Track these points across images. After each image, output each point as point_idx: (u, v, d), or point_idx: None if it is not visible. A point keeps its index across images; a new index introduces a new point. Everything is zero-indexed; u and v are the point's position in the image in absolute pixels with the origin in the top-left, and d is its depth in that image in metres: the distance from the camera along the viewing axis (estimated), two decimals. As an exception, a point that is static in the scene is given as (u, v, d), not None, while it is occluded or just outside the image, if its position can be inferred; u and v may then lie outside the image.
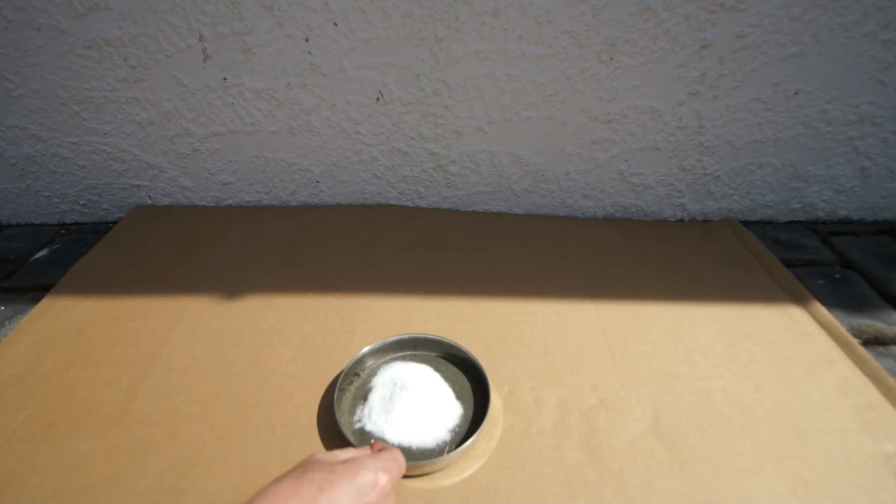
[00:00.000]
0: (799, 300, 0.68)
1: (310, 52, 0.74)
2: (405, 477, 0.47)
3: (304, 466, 0.32)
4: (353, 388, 0.56)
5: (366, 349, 0.57)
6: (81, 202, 0.90)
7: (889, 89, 0.74)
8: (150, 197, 0.91)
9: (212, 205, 0.92)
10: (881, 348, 0.62)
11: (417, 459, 0.48)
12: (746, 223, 0.87)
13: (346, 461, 0.33)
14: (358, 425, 0.51)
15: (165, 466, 0.48)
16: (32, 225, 0.92)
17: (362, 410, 0.52)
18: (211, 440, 0.51)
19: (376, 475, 0.32)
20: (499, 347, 0.61)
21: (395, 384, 0.53)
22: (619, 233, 0.84)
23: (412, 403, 0.51)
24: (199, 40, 0.73)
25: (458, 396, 0.54)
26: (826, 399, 0.54)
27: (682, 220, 0.89)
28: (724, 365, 0.59)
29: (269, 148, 0.84)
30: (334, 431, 0.51)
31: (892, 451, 0.49)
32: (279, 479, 0.31)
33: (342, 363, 0.58)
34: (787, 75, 0.73)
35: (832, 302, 0.69)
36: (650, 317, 0.66)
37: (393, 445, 0.49)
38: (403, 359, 0.59)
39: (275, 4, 0.70)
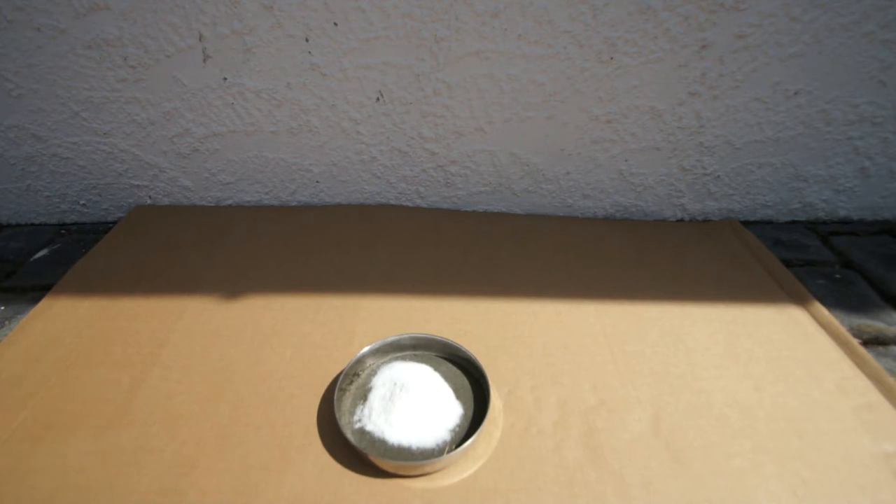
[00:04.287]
0: (799, 300, 0.68)
1: (310, 52, 0.74)
2: (405, 477, 0.47)
3: None
4: (353, 388, 0.56)
5: (366, 349, 0.57)
6: (81, 202, 0.90)
7: (889, 89, 0.74)
8: (150, 197, 0.91)
9: (212, 205, 0.92)
10: (881, 348, 0.62)
11: (417, 459, 0.48)
12: (746, 223, 0.87)
13: None
14: (358, 425, 0.51)
15: (165, 466, 0.48)
16: (32, 225, 0.92)
17: (362, 410, 0.52)
18: (211, 440, 0.51)
19: None
20: (499, 347, 0.61)
21: (395, 384, 0.53)
22: (619, 233, 0.84)
23: (412, 403, 0.51)
24: (199, 40, 0.73)
25: (458, 396, 0.54)
26: (826, 399, 0.54)
27: (682, 220, 0.89)
28: (724, 365, 0.59)
29: (269, 148, 0.84)
30: (334, 431, 0.51)
31: (892, 451, 0.49)
32: None
33: (342, 363, 0.58)
34: (787, 75, 0.73)
35: (832, 302, 0.69)
36: (650, 317, 0.66)
37: (393, 445, 0.49)
38: (403, 359, 0.59)
39: (275, 4, 0.70)
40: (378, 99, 0.78)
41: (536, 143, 0.81)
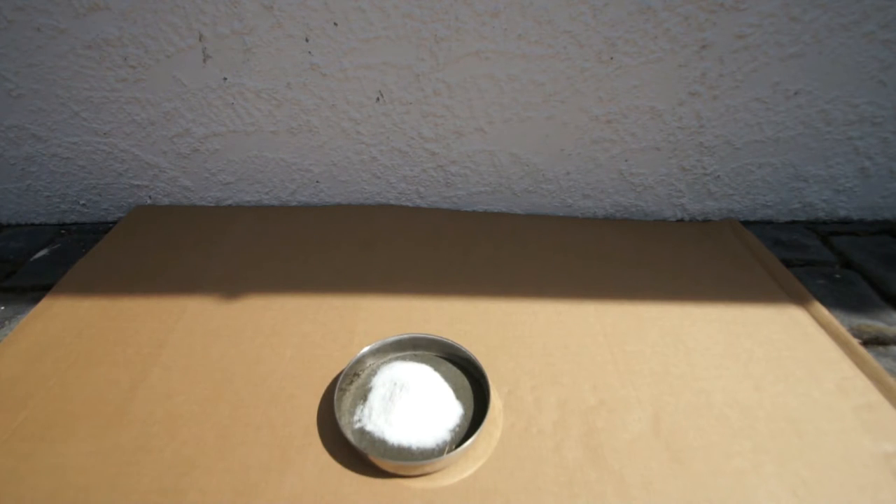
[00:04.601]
0: (799, 300, 0.68)
1: (310, 52, 0.74)
2: (405, 477, 0.47)
3: None
4: (353, 388, 0.56)
5: (366, 349, 0.57)
6: (81, 202, 0.90)
7: (889, 89, 0.74)
8: (150, 197, 0.91)
9: (212, 205, 0.92)
10: (881, 348, 0.62)
11: (417, 459, 0.48)
12: (746, 223, 0.87)
13: None
14: (358, 425, 0.51)
15: (165, 466, 0.48)
16: (32, 225, 0.92)
17: (362, 410, 0.52)
18: (211, 440, 0.51)
19: None
20: (499, 347, 0.61)
21: (395, 384, 0.53)
22: (619, 233, 0.84)
23: (412, 403, 0.51)
24: (199, 40, 0.73)
25: (458, 396, 0.54)
26: (826, 399, 0.54)
27: (682, 220, 0.89)
28: (724, 365, 0.59)
29: (269, 148, 0.84)
30: (334, 431, 0.51)
31: (892, 451, 0.49)
32: None
33: (342, 363, 0.58)
34: (787, 75, 0.73)
35: (832, 302, 0.69)
36: (650, 317, 0.66)
37: (393, 445, 0.49)
38: (403, 359, 0.59)
39: (275, 4, 0.70)
40: (378, 99, 0.78)
41: (536, 143, 0.81)
